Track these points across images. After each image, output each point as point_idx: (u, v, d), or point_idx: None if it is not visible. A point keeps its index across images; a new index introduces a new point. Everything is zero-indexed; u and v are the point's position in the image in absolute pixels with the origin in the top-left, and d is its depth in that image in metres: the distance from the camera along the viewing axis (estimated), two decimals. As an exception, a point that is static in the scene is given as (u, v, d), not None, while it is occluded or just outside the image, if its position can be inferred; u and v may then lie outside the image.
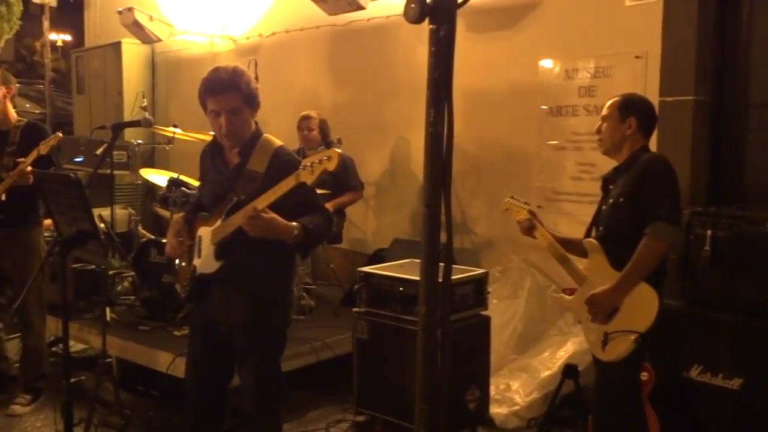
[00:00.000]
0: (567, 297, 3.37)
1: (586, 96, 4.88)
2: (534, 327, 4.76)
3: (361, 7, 5.51)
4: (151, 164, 7.61)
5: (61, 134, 4.25)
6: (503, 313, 4.72)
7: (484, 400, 4.17)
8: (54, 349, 5.51)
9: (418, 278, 4.04)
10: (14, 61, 23.99)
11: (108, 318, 4.13)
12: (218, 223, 2.96)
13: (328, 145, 5.43)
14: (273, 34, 7.17)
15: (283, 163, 2.92)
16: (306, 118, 5.54)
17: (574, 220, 4.71)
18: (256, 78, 5.47)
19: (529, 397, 4.28)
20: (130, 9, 7.19)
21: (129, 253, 5.22)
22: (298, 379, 4.20)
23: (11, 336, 4.93)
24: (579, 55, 4.92)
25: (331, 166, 2.62)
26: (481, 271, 4.27)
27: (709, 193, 4.40)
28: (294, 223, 2.82)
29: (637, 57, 4.60)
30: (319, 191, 3.31)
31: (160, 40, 7.59)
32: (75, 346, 5.06)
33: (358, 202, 5.89)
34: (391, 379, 4.03)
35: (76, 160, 6.67)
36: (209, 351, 3.15)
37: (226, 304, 3.02)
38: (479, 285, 4.16)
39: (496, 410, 4.28)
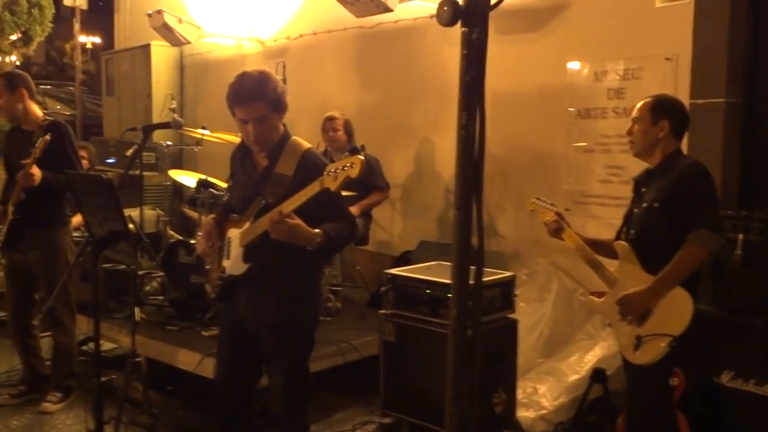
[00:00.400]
0: (596, 299, 3.34)
1: (615, 98, 4.84)
2: (561, 330, 4.73)
3: (388, 10, 5.52)
4: (179, 165, 7.68)
5: (48, 137, 4.25)
6: (530, 316, 4.70)
7: (511, 403, 4.15)
8: (84, 348, 5.59)
9: (445, 281, 4.06)
10: (45, 63, 24.34)
11: (137, 318, 4.16)
12: (247, 225, 2.99)
13: (353, 151, 5.43)
14: (300, 36, 7.21)
15: (310, 167, 2.94)
16: (330, 119, 5.56)
17: (603, 223, 4.68)
18: (284, 80, 5.51)
19: (556, 401, 4.25)
20: (159, 12, 7.26)
21: (157, 253, 5.28)
22: (325, 380, 4.21)
23: (44, 334, 5.00)
24: (608, 56, 4.88)
25: (354, 173, 2.63)
26: (508, 274, 4.25)
27: (740, 196, 4.35)
28: (317, 230, 2.83)
29: (667, 59, 4.56)
30: (344, 193, 3.32)
31: (188, 43, 7.65)
32: (104, 345, 5.11)
33: (384, 203, 5.89)
34: (418, 381, 4.03)
35: (109, 161, 6.75)
36: (238, 351, 3.18)
37: (255, 305, 3.05)
38: (506, 288, 4.14)
39: (523, 414, 4.25)
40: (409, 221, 6.40)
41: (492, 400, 3.99)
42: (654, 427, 3.19)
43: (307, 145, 3.08)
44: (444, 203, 6.10)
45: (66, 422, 4.44)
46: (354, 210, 4.91)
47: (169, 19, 7.26)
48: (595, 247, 3.32)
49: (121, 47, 9.77)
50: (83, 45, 16.31)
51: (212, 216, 3.28)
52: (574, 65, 5.10)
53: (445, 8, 1.47)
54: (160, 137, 7.10)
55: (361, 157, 2.65)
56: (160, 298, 5.23)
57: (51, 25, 10.31)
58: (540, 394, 4.34)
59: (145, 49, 8.71)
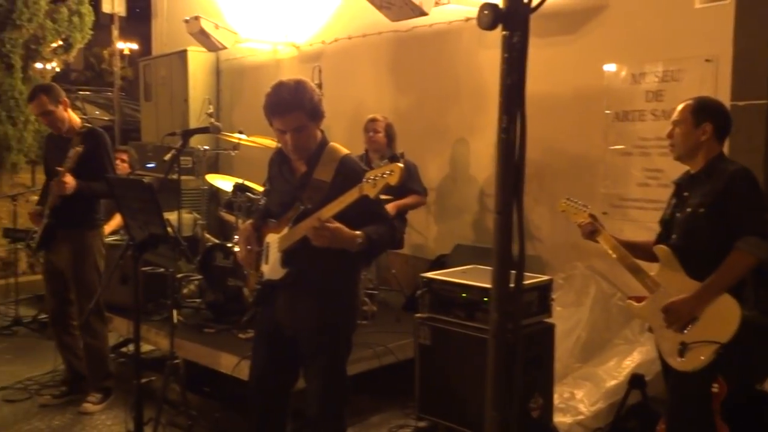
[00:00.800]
0: (636, 304, 3.30)
1: (654, 100, 4.79)
2: (599, 335, 4.69)
3: (424, 13, 5.52)
4: (215, 170, 7.76)
5: (81, 149, 4.34)
6: (567, 320, 4.66)
7: (548, 408, 4.11)
8: (123, 349, 5.67)
9: (482, 284, 4.04)
10: (83, 70, 24.78)
11: (175, 320, 4.21)
12: (285, 231, 3.01)
13: (393, 158, 5.45)
14: (335, 40, 7.25)
15: (348, 173, 2.95)
16: (372, 120, 5.60)
17: (641, 226, 4.63)
18: (320, 85, 5.54)
19: (594, 407, 4.21)
20: (196, 18, 7.36)
21: (194, 256, 5.33)
22: (361, 383, 4.22)
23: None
24: (646, 58, 4.84)
25: (394, 180, 2.64)
26: (545, 278, 4.21)
27: (783, 199, 4.27)
28: (358, 233, 2.84)
29: (707, 60, 4.50)
30: (383, 196, 3.32)
31: (225, 48, 7.74)
32: (143, 348, 5.14)
33: (420, 207, 5.89)
34: (454, 385, 4.02)
35: (149, 165, 6.85)
36: (274, 354, 3.20)
37: (292, 309, 3.06)
38: (543, 292, 4.11)
39: (560, 419, 4.22)
40: (444, 224, 6.39)
41: (529, 405, 3.97)
42: (696, 432, 3.14)
43: (344, 150, 3.09)
44: (479, 206, 6.08)
45: (106, 423, 4.50)
46: (389, 209, 4.91)
47: (206, 25, 7.36)
48: (631, 250, 3.28)
49: (159, 53, 9.91)
50: (121, 51, 16.57)
51: (250, 221, 3.31)
52: (610, 67, 5.06)
53: (486, 12, 1.47)
54: (196, 142, 7.19)
55: (401, 165, 2.66)
56: (198, 300, 5.29)
57: (91, 32, 10.48)
58: (577, 399, 4.30)
59: (182, 54, 8.82)
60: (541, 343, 4.08)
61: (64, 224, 4.54)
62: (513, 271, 1.58)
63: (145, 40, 13.67)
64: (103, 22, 12.84)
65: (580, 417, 4.21)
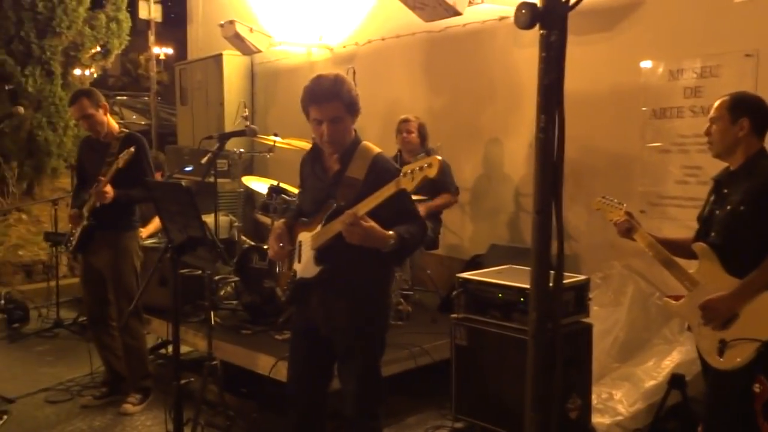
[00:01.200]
0: (674, 302, 3.26)
1: (692, 97, 4.72)
2: (637, 335, 4.63)
3: (457, 13, 5.51)
4: (250, 172, 7.83)
5: (133, 149, 4.42)
6: (605, 320, 4.62)
7: (586, 409, 4.08)
8: (162, 351, 5.75)
9: (518, 285, 4.01)
10: (120, 75, 25.18)
11: (212, 322, 4.25)
12: (318, 228, 3.01)
13: (429, 152, 5.46)
14: (369, 42, 7.26)
15: (381, 171, 2.94)
16: (405, 120, 5.61)
17: (680, 225, 4.56)
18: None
19: (632, 408, 4.16)
20: (231, 22, 7.44)
21: (230, 258, 5.37)
22: (397, 384, 4.22)
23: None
24: (684, 54, 4.77)
25: (432, 173, 2.62)
26: (582, 277, 4.17)
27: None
28: (390, 233, 2.84)
29: (747, 55, 4.42)
30: (414, 197, 3.32)
31: (259, 51, 7.81)
32: (181, 349, 5.24)
33: (454, 207, 5.88)
34: (491, 385, 4.00)
35: (187, 169, 6.92)
36: (310, 354, 3.21)
37: (326, 308, 3.07)
38: (580, 292, 4.08)
39: (599, 420, 4.17)
40: (479, 224, 6.37)
41: (567, 405, 3.94)
42: (736, 433, 3.09)
43: (377, 149, 3.09)
44: (514, 206, 6.05)
45: (146, 423, 4.57)
46: (420, 210, 4.90)
47: (241, 29, 7.43)
48: (669, 248, 3.23)
49: (194, 57, 10.03)
50: (157, 56, 16.80)
51: (283, 220, 3.32)
52: (648, 64, 5.00)
53: (524, 11, 1.47)
54: (232, 145, 7.21)
55: (439, 158, 2.64)
56: (234, 302, 5.34)
57: (128, 38, 10.66)
58: (616, 399, 4.25)
59: (218, 58, 8.92)
60: (578, 343, 4.04)
61: (102, 226, 4.61)
62: (551, 271, 1.57)
63: (181, 45, 13.87)
64: (139, 28, 13.05)
65: (619, 418, 4.16)
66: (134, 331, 4.79)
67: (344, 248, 2.86)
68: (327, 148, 3.07)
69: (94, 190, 4.45)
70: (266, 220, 5.45)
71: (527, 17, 1.46)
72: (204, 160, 4.55)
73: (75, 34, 9.86)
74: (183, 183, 5.63)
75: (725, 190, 3.14)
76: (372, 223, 2.78)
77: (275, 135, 5.81)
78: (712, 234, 3.12)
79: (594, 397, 4.20)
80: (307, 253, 3.07)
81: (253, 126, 4.49)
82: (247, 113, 6.07)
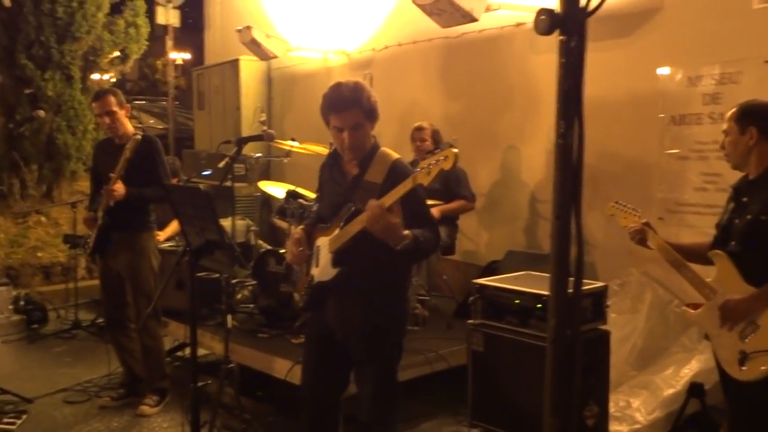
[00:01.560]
0: (692, 311, 3.23)
1: (711, 103, 4.69)
2: (655, 343, 4.60)
3: (474, 19, 5.50)
4: (266, 177, 7.86)
5: (140, 136, 4.46)
6: (622, 327, 4.60)
7: (604, 417, 4.05)
8: (179, 353, 5.78)
9: (535, 291, 4.00)
10: (138, 80, 25.37)
11: (229, 325, 4.27)
12: (336, 231, 3.03)
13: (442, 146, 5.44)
14: (386, 48, 7.28)
15: (399, 175, 2.95)
16: (419, 129, 5.61)
17: (699, 232, 4.53)
18: (371, 92, 5.58)
19: (651, 416, 4.14)
20: (248, 27, 7.49)
21: (248, 262, 5.40)
22: (413, 389, 4.23)
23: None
24: (703, 61, 4.75)
25: (448, 164, 2.62)
26: (599, 284, 4.15)
27: None
28: (406, 232, 2.85)
29: (766, 61, 4.39)
30: (430, 202, 3.33)
31: (276, 57, 7.85)
32: (198, 352, 5.27)
33: (471, 213, 5.87)
34: (507, 391, 3.99)
35: (205, 173, 6.97)
36: (324, 359, 3.22)
37: (342, 313, 3.08)
38: (598, 298, 4.05)
39: (616, 428, 4.15)
40: (495, 231, 6.36)
41: (584, 413, 3.91)
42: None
43: (395, 155, 3.11)
44: (530, 213, 6.03)
45: (162, 425, 4.59)
46: (434, 212, 4.89)
47: (258, 35, 7.48)
48: (683, 254, 3.21)
49: (212, 62, 10.10)
50: (174, 61, 16.91)
51: (302, 226, 3.34)
52: (665, 71, 4.98)
53: (543, 17, 1.47)
54: (249, 149, 7.23)
55: (455, 150, 2.63)
56: (251, 306, 5.36)
57: (146, 43, 10.73)
58: (634, 407, 4.23)
59: (235, 63, 8.97)
60: (596, 350, 4.02)
61: (117, 227, 4.63)
62: (570, 278, 1.57)
63: (198, 50, 13.95)
64: (157, 33, 13.14)
65: (637, 426, 4.14)
66: (152, 332, 4.82)
67: (362, 251, 2.89)
68: (347, 155, 3.09)
69: (104, 190, 4.48)
70: (283, 224, 5.47)
71: (547, 23, 1.47)
72: (221, 165, 4.59)
73: (94, 39, 9.94)
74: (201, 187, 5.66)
75: (744, 199, 3.12)
76: (397, 220, 2.79)
77: (292, 140, 5.84)
78: (732, 243, 3.10)
79: (611, 404, 4.17)
80: (324, 256, 3.09)
81: (270, 130, 4.52)
82: (264, 118, 6.11)
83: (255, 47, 7.67)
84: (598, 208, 5.30)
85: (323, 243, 3.11)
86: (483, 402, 4.15)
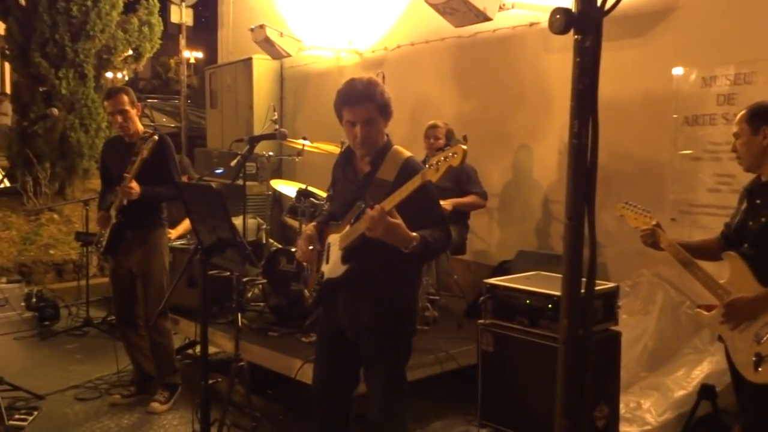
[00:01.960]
0: (705, 313, 3.22)
1: (726, 104, 4.67)
2: (666, 344, 4.58)
3: (488, 19, 5.49)
4: (278, 175, 7.87)
5: (157, 138, 4.46)
6: (633, 328, 4.57)
7: (614, 418, 4.03)
8: (189, 351, 5.79)
9: (546, 291, 3.98)
10: (150, 78, 25.49)
11: (240, 323, 4.28)
12: (347, 228, 3.04)
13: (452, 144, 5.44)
14: (398, 47, 7.27)
15: (410, 173, 2.94)
16: (433, 127, 5.60)
17: (711, 233, 4.44)
18: (384, 90, 5.58)
19: (661, 417, 4.12)
20: (261, 26, 7.50)
21: (259, 261, 5.41)
22: (423, 388, 4.22)
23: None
24: (717, 61, 4.72)
25: (456, 161, 2.61)
26: (611, 284, 4.13)
27: None
28: (414, 234, 2.84)
29: (781, 62, 4.37)
30: (441, 202, 3.32)
31: (289, 56, 7.85)
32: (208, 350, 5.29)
33: (482, 212, 5.86)
34: (517, 391, 3.98)
35: (217, 171, 6.98)
36: (335, 357, 3.23)
37: (352, 309, 3.09)
38: (609, 299, 4.03)
39: (626, 429, 4.13)
40: (506, 230, 6.34)
41: (594, 414, 3.90)
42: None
43: (408, 153, 3.11)
44: (542, 213, 6.02)
45: (173, 423, 4.60)
46: (446, 205, 4.88)
47: (271, 33, 7.49)
48: (693, 252, 3.20)
49: (224, 61, 10.11)
50: (187, 60, 16.97)
51: (313, 223, 3.35)
52: (679, 71, 4.95)
53: (558, 16, 1.46)
54: (261, 148, 7.24)
55: (464, 147, 2.62)
56: (261, 304, 5.36)
57: (159, 41, 10.78)
58: (644, 409, 4.21)
59: (247, 62, 8.98)
60: (606, 351, 4.00)
61: (131, 225, 4.65)
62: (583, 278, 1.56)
63: (211, 49, 14.01)
64: (170, 32, 13.20)
65: (647, 427, 4.12)
66: (163, 329, 4.84)
67: (371, 248, 2.89)
68: (359, 150, 3.09)
69: (119, 188, 4.50)
70: (294, 223, 5.48)
71: (562, 22, 1.46)
72: (233, 163, 4.60)
73: (108, 38, 10.00)
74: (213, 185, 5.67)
75: (758, 201, 3.10)
76: (398, 221, 2.78)
77: (304, 138, 5.84)
78: (745, 245, 3.08)
79: (622, 406, 4.15)
80: (335, 254, 3.10)
81: (282, 129, 4.52)
82: (276, 116, 6.11)
83: (268, 46, 7.68)
84: (610, 209, 5.26)
85: (334, 240, 3.12)
86: (493, 402, 4.14)
